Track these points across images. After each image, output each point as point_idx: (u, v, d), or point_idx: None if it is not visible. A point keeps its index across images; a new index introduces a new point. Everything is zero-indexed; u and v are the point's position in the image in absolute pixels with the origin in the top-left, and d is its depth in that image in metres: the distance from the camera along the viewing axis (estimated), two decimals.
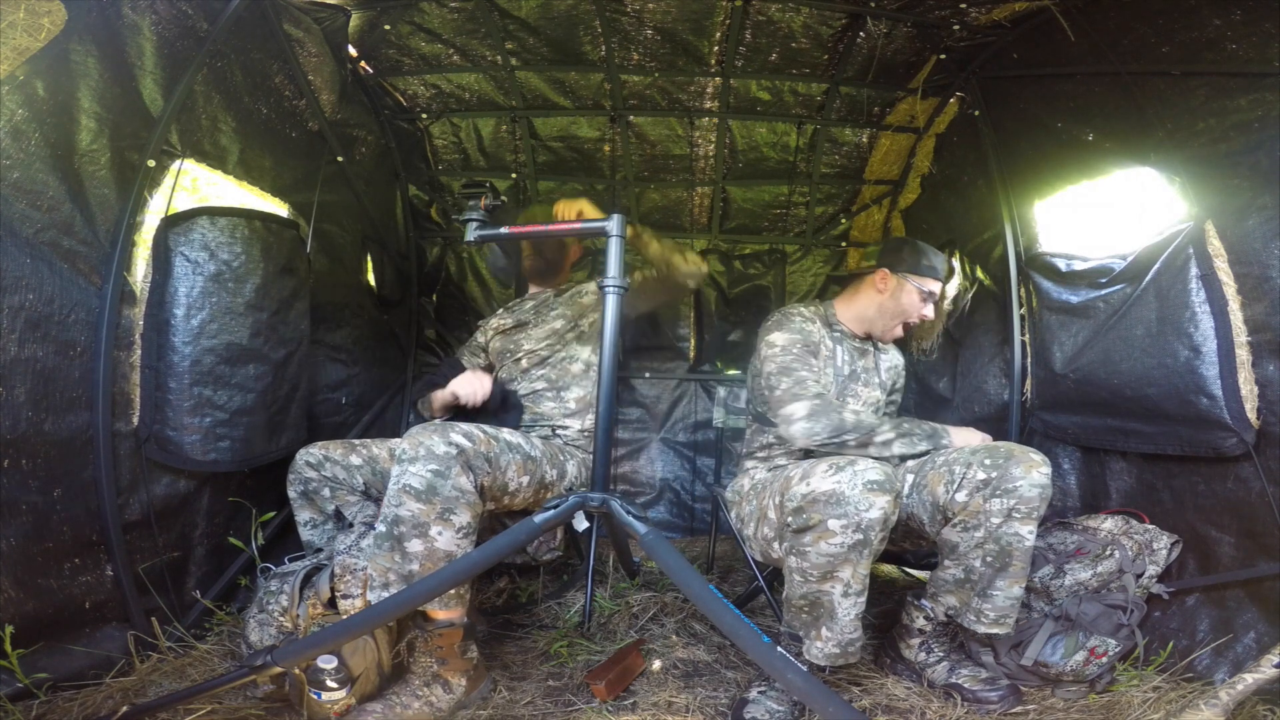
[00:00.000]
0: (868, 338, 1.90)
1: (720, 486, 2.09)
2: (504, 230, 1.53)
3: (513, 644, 1.75)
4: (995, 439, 1.60)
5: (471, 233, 1.50)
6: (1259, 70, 1.32)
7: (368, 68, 2.27)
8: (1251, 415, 1.37)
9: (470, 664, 1.42)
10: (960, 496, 1.38)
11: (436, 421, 1.47)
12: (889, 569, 2.42)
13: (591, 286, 2.11)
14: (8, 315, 1.21)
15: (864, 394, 1.83)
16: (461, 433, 1.37)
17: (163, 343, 1.54)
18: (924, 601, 1.51)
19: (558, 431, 1.93)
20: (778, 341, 1.73)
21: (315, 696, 1.28)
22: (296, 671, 1.28)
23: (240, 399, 1.68)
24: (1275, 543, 1.33)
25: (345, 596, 1.38)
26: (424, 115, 2.52)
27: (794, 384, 1.64)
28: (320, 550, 1.66)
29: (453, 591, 1.35)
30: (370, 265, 2.55)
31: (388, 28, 2.10)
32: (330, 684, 1.27)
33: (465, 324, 2.91)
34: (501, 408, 1.93)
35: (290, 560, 1.59)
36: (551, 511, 1.25)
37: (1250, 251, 1.37)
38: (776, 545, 1.44)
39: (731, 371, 2.86)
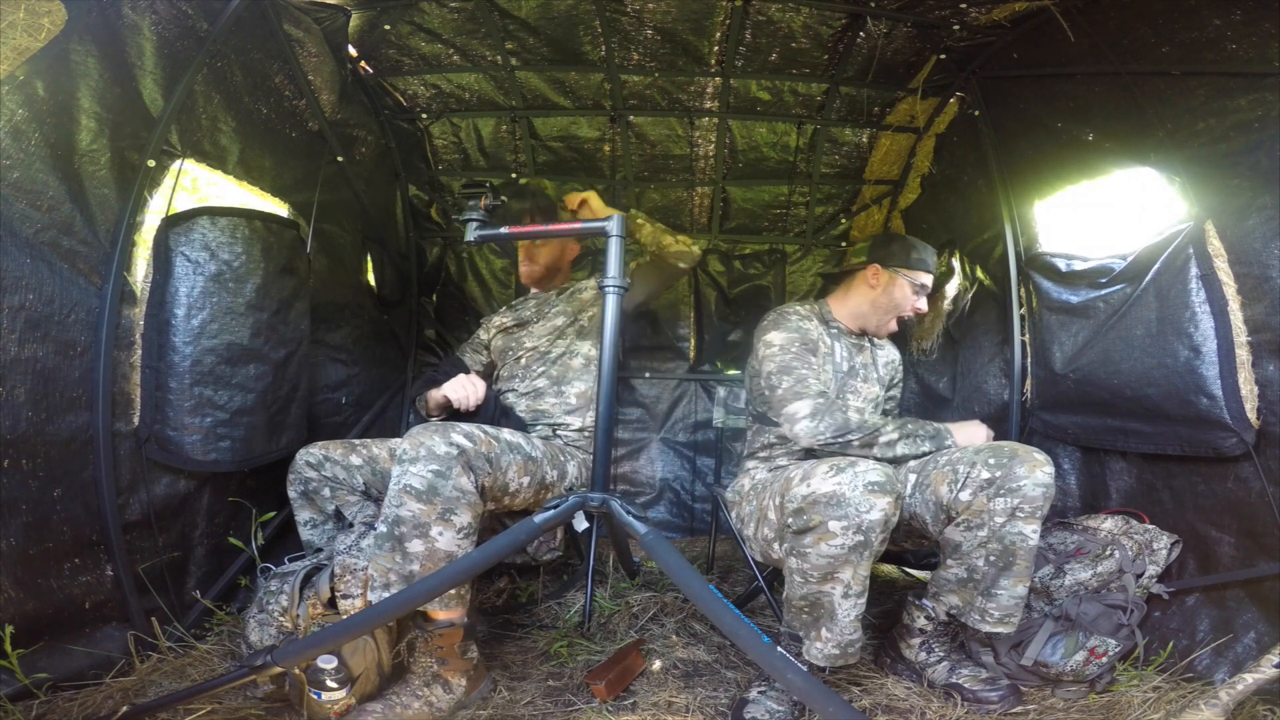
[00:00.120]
0: (863, 334, 1.90)
1: (720, 486, 2.09)
2: (504, 230, 1.53)
3: (513, 644, 1.75)
4: (996, 435, 1.61)
5: (471, 233, 1.50)
6: (1259, 70, 1.32)
7: (368, 68, 2.27)
8: (1251, 415, 1.37)
9: (470, 664, 1.42)
10: (964, 496, 1.38)
11: (437, 422, 1.47)
12: (889, 569, 2.42)
13: (591, 283, 2.11)
14: (8, 315, 1.21)
15: (863, 390, 1.83)
16: (462, 433, 1.37)
17: (163, 343, 1.54)
18: (925, 601, 1.51)
19: (558, 431, 1.93)
20: (775, 341, 1.73)
21: (315, 696, 1.28)
22: (296, 671, 1.29)
23: (240, 399, 1.68)
24: (1275, 543, 1.33)
25: (345, 596, 1.38)
26: (424, 115, 2.52)
27: (795, 383, 1.64)
28: (320, 550, 1.66)
29: (453, 592, 1.35)
30: (370, 265, 2.55)
31: (388, 28, 2.10)
32: (330, 684, 1.27)
33: (465, 324, 2.91)
34: (495, 419, 1.92)
35: (290, 560, 1.59)
36: (551, 511, 1.25)
37: (1250, 251, 1.37)
38: (777, 546, 1.44)
39: (731, 371, 2.86)
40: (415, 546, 1.30)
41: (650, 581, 2.06)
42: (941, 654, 1.50)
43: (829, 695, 1.04)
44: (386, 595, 1.29)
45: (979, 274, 2.26)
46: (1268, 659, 1.16)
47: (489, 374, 2.17)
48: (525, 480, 1.53)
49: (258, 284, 1.70)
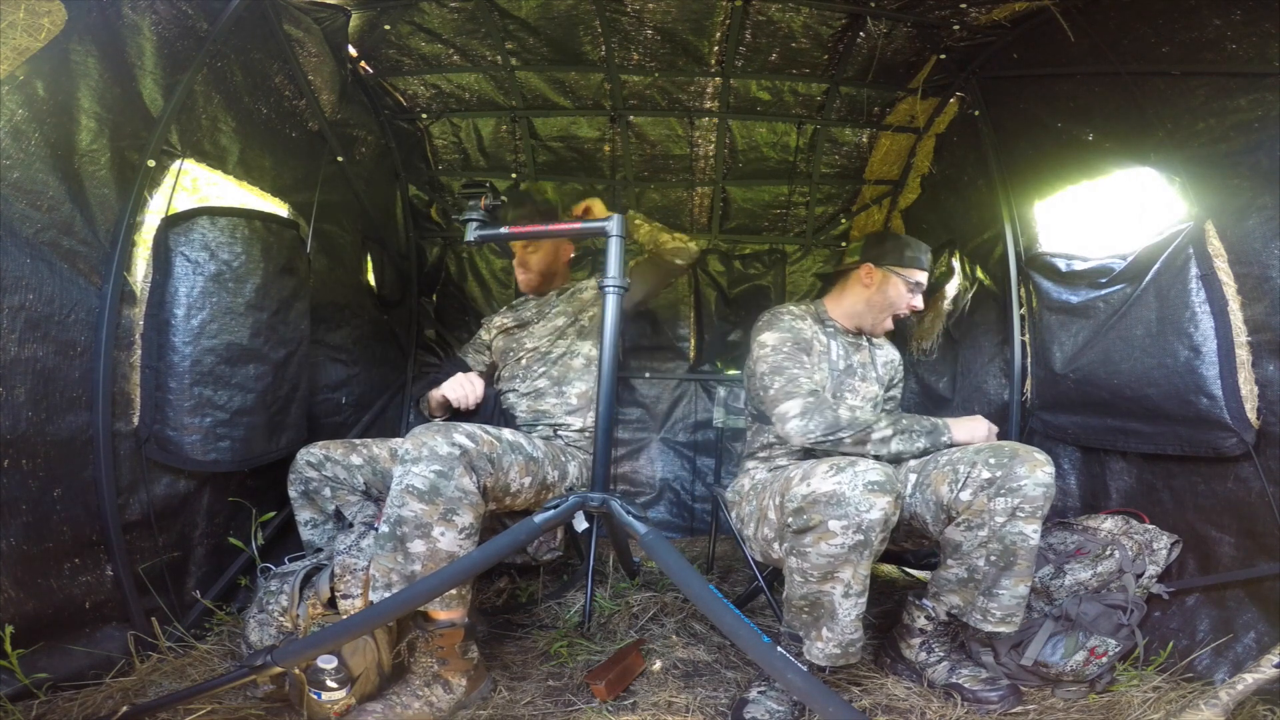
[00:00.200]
0: (860, 333, 1.90)
1: (720, 486, 2.09)
2: (504, 230, 1.53)
3: (513, 644, 1.75)
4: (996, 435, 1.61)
5: (471, 233, 1.50)
6: (1259, 70, 1.32)
7: (368, 68, 2.27)
8: (1251, 415, 1.37)
9: (471, 664, 1.42)
10: (964, 495, 1.37)
11: (439, 422, 1.47)
12: (889, 569, 2.42)
13: (591, 283, 2.12)
14: (8, 315, 1.21)
15: (861, 389, 1.84)
16: (465, 433, 1.37)
17: (163, 343, 1.54)
18: (925, 601, 1.51)
19: (559, 431, 1.93)
20: (768, 341, 1.73)
21: (315, 696, 1.28)
22: (296, 671, 1.29)
23: (240, 399, 1.68)
24: (1275, 543, 1.33)
25: (345, 596, 1.38)
26: (424, 115, 2.52)
27: (786, 382, 1.64)
28: (320, 550, 1.66)
29: (454, 592, 1.35)
30: (370, 265, 2.56)
31: (388, 28, 2.10)
32: (330, 684, 1.27)
33: (465, 324, 2.92)
34: (495, 418, 1.93)
35: (290, 560, 1.59)
36: (551, 511, 1.25)
37: (1250, 251, 1.37)
38: (777, 546, 1.44)
39: (731, 371, 2.86)
40: (417, 547, 1.30)
41: (650, 581, 2.06)
42: (941, 654, 1.50)
43: (829, 695, 1.04)
44: (388, 595, 1.29)
45: (979, 274, 2.26)
46: (1268, 659, 1.16)
47: (491, 374, 2.17)
48: (527, 480, 1.53)
49: (257, 284, 1.70)
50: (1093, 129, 1.75)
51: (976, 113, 2.14)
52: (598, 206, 1.91)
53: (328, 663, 1.27)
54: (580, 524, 1.30)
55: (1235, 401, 1.38)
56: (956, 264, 2.38)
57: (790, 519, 1.30)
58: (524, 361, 2.03)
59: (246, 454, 1.71)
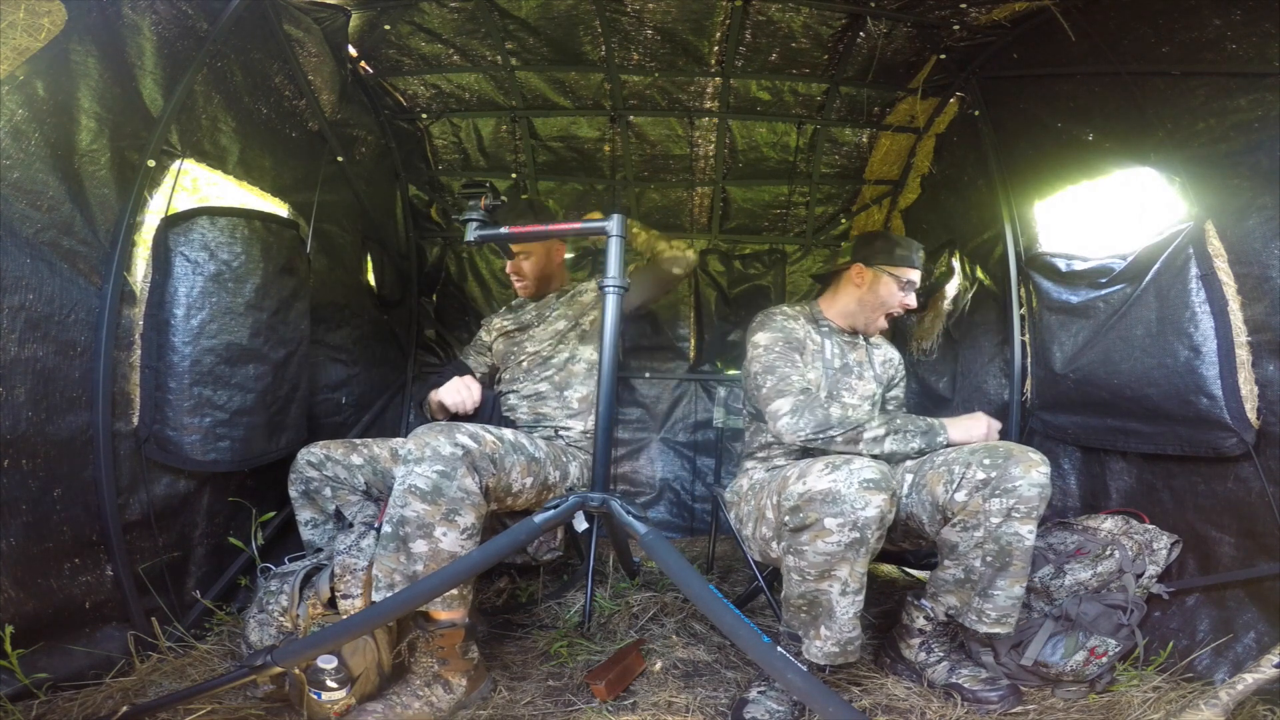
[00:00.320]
0: (855, 332, 1.90)
1: (720, 486, 2.09)
2: (504, 230, 1.53)
3: (513, 644, 1.75)
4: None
5: (471, 233, 1.50)
6: (1259, 70, 1.32)
7: (368, 68, 2.27)
8: (1251, 415, 1.37)
9: (471, 664, 1.42)
10: (959, 496, 1.38)
11: (442, 422, 1.47)
12: (889, 569, 2.42)
13: (591, 285, 2.11)
14: (8, 315, 1.21)
15: (858, 387, 1.84)
16: (467, 434, 1.37)
17: (163, 343, 1.54)
18: (924, 601, 1.51)
19: (560, 433, 1.93)
20: (761, 342, 1.74)
21: (315, 696, 1.28)
22: (296, 671, 1.29)
23: (240, 399, 1.68)
24: (1275, 543, 1.33)
25: (345, 596, 1.38)
26: (424, 115, 2.52)
27: (778, 381, 1.64)
28: (320, 550, 1.66)
29: (455, 592, 1.35)
30: (370, 265, 2.56)
31: (388, 28, 2.10)
32: (330, 684, 1.27)
33: (465, 324, 2.92)
34: (494, 421, 1.92)
35: (290, 560, 1.59)
36: (551, 511, 1.25)
37: (1250, 251, 1.37)
38: (774, 545, 1.45)
39: (731, 371, 2.86)
40: (419, 547, 1.30)
41: (650, 581, 2.07)
42: (941, 654, 1.50)
43: (829, 695, 1.04)
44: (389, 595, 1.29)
45: (979, 274, 2.26)
46: (1268, 659, 1.16)
47: (493, 375, 2.17)
48: (529, 481, 1.53)
49: (257, 284, 1.70)
50: (1093, 129, 1.75)
51: (976, 113, 2.14)
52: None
53: (328, 663, 1.27)
54: (580, 524, 1.30)
55: (1235, 401, 1.38)
56: (956, 264, 2.38)
57: (787, 517, 1.31)
58: (525, 365, 2.02)
59: (246, 454, 1.71)
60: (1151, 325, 1.56)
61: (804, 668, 1.10)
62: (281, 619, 1.42)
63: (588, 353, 2.00)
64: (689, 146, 2.58)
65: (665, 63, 2.23)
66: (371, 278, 2.56)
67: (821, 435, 1.55)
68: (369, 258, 2.54)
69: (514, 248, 2.00)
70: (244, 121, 1.78)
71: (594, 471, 1.36)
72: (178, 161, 1.58)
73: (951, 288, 2.40)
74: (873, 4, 1.92)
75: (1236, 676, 1.16)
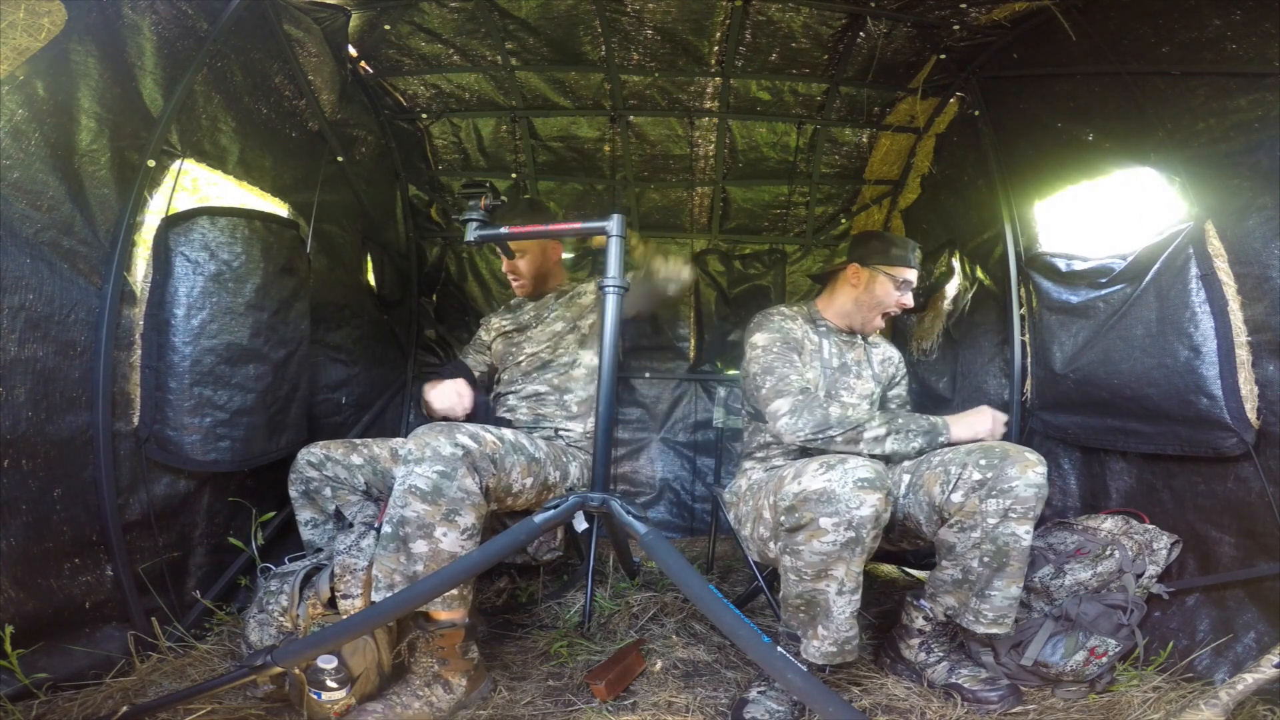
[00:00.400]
0: (853, 332, 1.90)
1: (720, 486, 2.09)
2: (504, 230, 1.53)
3: (513, 644, 1.75)
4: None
5: (471, 233, 1.50)
6: (1259, 70, 1.32)
7: (368, 68, 2.27)
8: (1251, 415, 1.37)
9: (471, 664, 1.42)
10: (956, 497, 1.38)
11: (442, 422, 1.47)
12: (889, 569, 2.42)
13: (590, 286, 2.10)
14: (8, 315, 1.21)
15: (857, 387, 1.84)
16: (468, 434, 1.37)
17: (163, 343, 1.54)
18: (923, 602, 1.51)
19: (560, 433, 1.93)
20: (759, 342, 1.74)
21: (315, 696, 1.28)
22: (296, 671, 1.29)
23: (240, 399, 1.68)
24: (1275, 543, 1.33)
25: (345, 596, 1.38)
26: (424, 115, 2.52)
27: (777, 381, 1.65)
28: (320, 550, 1.66)
29: (455, 592, 1.35)
30: (370, 265, 2.56)
31: (388, 28, 2.10)
32: (330, 684, 1.28)
33: (465, 324, 2.92)
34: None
35: (290, 560, 1.59)
36: (551, 511, 1.25)
37: (1250, 251, 1.37)
38: (772, 545, 1.45)
39: (731, 371, 2.87)
40: (419, 547, 1.30)
41: (650, 581, 2.07)
42: (941, 654, 1.50)
43: (829, 695, 1.04)
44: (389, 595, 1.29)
45: (979, 274, 2.26)
46: (1268, 659, 1.16)
47: (492, 374, 2.17)
48: (529, 481, 1.53)
49: (257, 284, 1.70)
50: (1093, 129, 1.75)
51: (976, 113, 2.14)
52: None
53: (328, 663, 1.27)
54: (580, 524, 1.30)
55: (1235, 401, 1.38)
56: (956, 264, 2.38)
57: (783, 517, 1.31)
58: (523, 366, 2.02)
59: (246, 454, 1.71)
60: (1151, 325, 1.56)
61: (804, 668, 1.10)
62: (281, 619, 1.42)
63: (588, 357, 2.00)
64: (689, 146, 2.58)
65: (665, 63, 2.23)
66: (371, 278, 2.56)
67: (821, 435, 1.55)
68: (369, 258, 2.54)
69: (511, 247, 2.00)
70: (244, 121, 1.78)
71: (594, 471, 1.36)
72: (178, 161, 1.58)
73: (951, 288, 2.40)
74: (873, 4, 1.92)
75: (1236, 676, 1.16)
